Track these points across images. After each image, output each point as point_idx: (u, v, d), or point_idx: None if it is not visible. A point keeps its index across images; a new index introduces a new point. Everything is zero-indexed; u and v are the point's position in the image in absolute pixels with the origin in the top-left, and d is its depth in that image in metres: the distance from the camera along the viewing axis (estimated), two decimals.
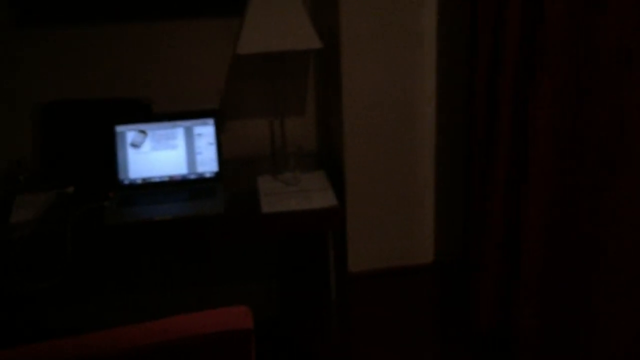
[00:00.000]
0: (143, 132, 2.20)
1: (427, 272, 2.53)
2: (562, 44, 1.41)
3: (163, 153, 2.21)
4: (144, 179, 2.20)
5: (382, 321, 2.27)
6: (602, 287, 1.36)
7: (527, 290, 1.70)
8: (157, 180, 2.21)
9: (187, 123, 2.23)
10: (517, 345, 1.77)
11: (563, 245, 1.58)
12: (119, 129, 2.19)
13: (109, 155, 2.19)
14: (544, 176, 1.52)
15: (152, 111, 2.39)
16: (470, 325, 2.05)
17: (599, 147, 1.40)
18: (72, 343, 1.11)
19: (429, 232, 2.50)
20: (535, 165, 1.51)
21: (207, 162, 2.24)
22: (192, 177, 2.23)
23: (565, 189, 1.52)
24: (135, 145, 2.20)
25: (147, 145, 2.21)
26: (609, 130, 1.37)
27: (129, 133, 2.20)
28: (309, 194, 2.16)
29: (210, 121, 2.24)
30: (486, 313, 1.93)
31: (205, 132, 2.24)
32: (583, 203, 1.47)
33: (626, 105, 1.31)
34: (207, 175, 2.23)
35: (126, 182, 2.19)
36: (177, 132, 2.22)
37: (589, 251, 1.48)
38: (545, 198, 1.55)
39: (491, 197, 1.75)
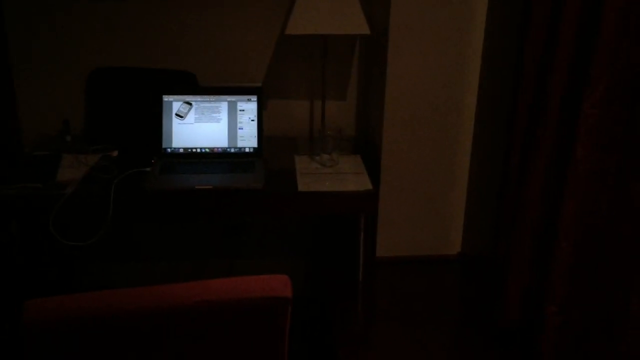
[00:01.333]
0: (189, 103, 2.26)
1: (452, 263, 2.57)
2: (616, 44, 1.41)
3: (206, 125, 2.27)
4: (185, 149, 2.26)
5: (406, 307, 2.31)
6: (638, 290, 1.38)
7: (556, 289, 1.72)
8: (198, 151, 2.26)
9: (232, 98, 2.28)
10: (542, 342, 1.79)
11: (597, 246, 1.60)
12: (167, 98, 2.25)
13: (154, 123, 2.25)
14: (585, 176, 1.54)
15: (198, 84, 2.44)
16: (494, 319, 2.08)
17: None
18: (109, 295, 1.16)
19: (458, 224, 2.53)
20: (578, 164, 1.53)
21: (248, 138, 2.29)
22: (232, 150, 2.28)
23: (605, 190, 1.53)
24: (180, 116, 2.26)
25: (191, 116, 2.27)
26: None
27: (175, 103, 2.26)
28: (344, 176, 2.20)
29: (254, 98, 2.28)
30: (513, 307, 1.96)
31: (248, 108, 2.29)
32: (622, 205, 1.48)
33: None
34: (247, 150, 2.28)
35: (169, 150, 2.26)
36: (221, 106, 2.28)
37: (625, 253, 1.50)
38: (583, 197, 1.56)
39: (528, 191, 1.77)
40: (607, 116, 1.49)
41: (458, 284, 2.50)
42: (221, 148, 2.28)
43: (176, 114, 2.26)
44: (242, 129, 2.29)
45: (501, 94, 2.25)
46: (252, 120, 2.29)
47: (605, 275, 1.59)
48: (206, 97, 2.27)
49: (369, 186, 2.13)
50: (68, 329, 1.13)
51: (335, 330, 2.17)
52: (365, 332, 2.24)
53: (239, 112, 2.28)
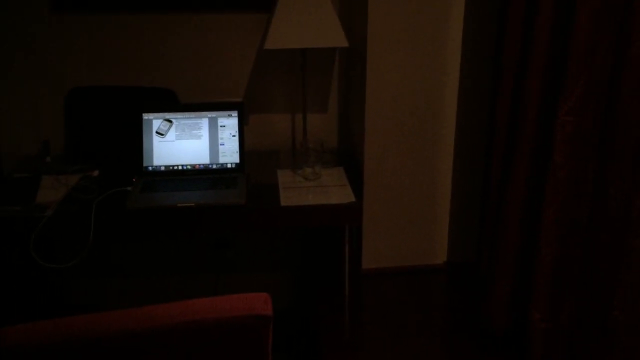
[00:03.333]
0: (169, 120, 2.25)
1: (439, 272, 2.56)
2: (590, 51, 1.43)
3: (187, 142, 2.26)
4: (167, 167, 2.25)
5: (393, 319, 2.30)
6: (620, 292, 1.38)
7: (540, 296, 1.72)
8: (180, 168, 2.25)
9: (212, 114, 2.27)
10: (529, 348, 1.79)
11: (578, 252, 1.61)
12: (147, 116, 2.24)
13: (134, 142, 2.24)
14: (563, 182, 1.55)
15: (178, 101, 2.44)
16: (482, 326, 2.08)
17: (622, 155, 1.42)
18: (91, 319, 1.15)
19: (443, 233, 2.53)
20: (556, 171, 1.54)
21: (229, 153, 2.28)
22: (214, 167, 2.27)
23: (584, 197, 1.54)
24: (160, 133, 2.25)
25: (172, 133, 2.26)
26: (633, 137, 1.39)
27: (155, 121, 2.25)
28: (327, 189, 2.20)
29: (235, 113, 2.28)
30: (499, 314, 1.96)
31: (229, 124, 2.28)
32: (600, 212, 1.49)
33: None
34: (229, 165, 2.28)
35: (150, 168, 2.24)
36: (202, 123, 2.27)
37: (604, 260, 1.50)
38: (562, 204, 1.57)
39: (509, 199, 1.77)
40: (583, 123, 1.50)
41: (445, 293, 2.50)
42: (203, 165, 2.27)
43: (157, 132, 2.25)
44: (223, 144, 2.28)
45: (480, 103, 2.26)
46: (234, 136, 2.28)
47: (587, 281, 1.60)
48: (186, 114, 2.26)
49: (352, 198, 2.13)
50: (48, 355, 1.12)
51: (323, 342, 2.16)
52: (353, 344, 2.23)
53: (219, 128, 2.28)
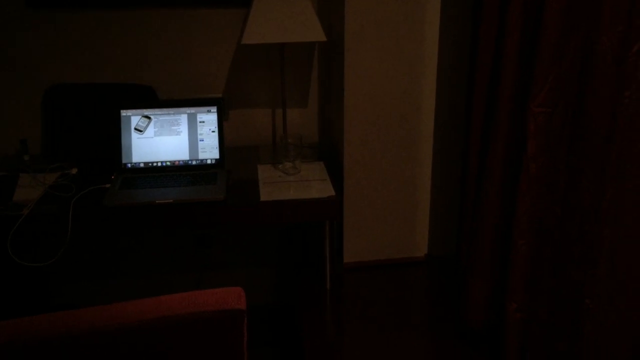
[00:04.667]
0: (147, 117, 2.24)
1: (420, 266, 2.58)
2: (560, 45, 1.44)
3: (166, 139, 2.25)
4: (146, 163, 2.24)
5: (374, 313, 2.31)
6: (592, 285, 1.40)
7: (516, 287, 1.74)
8: (159, 164, 2.25)
9: (191, 110, 2.26)
10: (505, 339, 1.81)
11: (552, 244, 1.62)
12: (125, 113, 2.23)
13: (112, 139, 2.23)
14: (536, 175, 1.56)
15: (157, 98, 2.43)
16: (461, 320, 2.09)
17: (593, 148, 1.43)
18: (59, 317, 1.14)
19: (424, 226, 2.54)
20: (529, 164, 1.55)
21: (209, 149, 2.28)
22: (194, 163, 2.27)
23: (556, 189, 1.56)
24: (139, 130, 2.24)
25: (150, 130, 2.25)
26: (603, 129, 1.41)
27: (133, 118, 2.24)
28: (307, 184, 2.20)
29: (214, 109, 2.28)
30: (478, 307, 1.98)
31: (209, 120, 2.28)
32: (575, 203, 1.51)
33: (619, 106, 1.35)
34: (209, 161, 2.27)
35: (128, 165, 2.23)
36: (180, 119, 2.26)
37: (576, 252, 1.52)
38: (536, 196, 1.59)
39: (486, 193, 1.79)
40: (555, 116, 1.52)
41: (426, 286, 2.51)
42: (182, 161, 2.26)
43: (135, 129, 2.24)
44: (203, 140, 2.28)
45: (459, 96, 2.27)
46: (213, 132, 2.28)
47: (561, 272, 1.62)
48: (165, 110, 2.26)
49: (332, 192, 2.14)
50: (13, 354, 1.11)
51: (305, 338, 2.17)
52: (335, 339, 2.23)
53: (199, 124, 2.27)
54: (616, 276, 1.31)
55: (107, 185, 2.11)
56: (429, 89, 2.34)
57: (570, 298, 1.52)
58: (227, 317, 1.18)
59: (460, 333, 2.13)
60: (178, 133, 2.26)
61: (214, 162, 2.27)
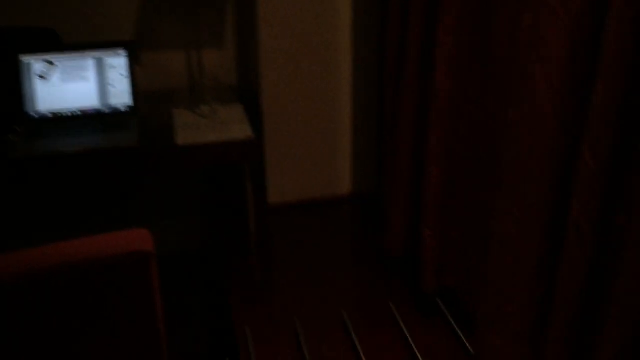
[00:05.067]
0: (50, 62, 2.12)
1: (344, 203, 2.61)
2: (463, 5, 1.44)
3: (73, 85, 2.14)
4: (53, 112, 2.13)
5: (301, 251, 2.34)
6: (494, 196, 1.45)
7: (429, 214, 1.79)
8: (68, 113, 2.14)
9: (98, 54, 2.15)
10: (422, 265, 1.88)
11: (462, 170, 1.68)
12: (25, 59, 2.10)
13: (12, 87, 2.09)
14: (445, 104, 1.58)
15: (61, 42, 2.29)
16: (383, 251, 2.15)
17: (497, 69, 1.46)
18: None
19: (346, 164, 2.56)
20: (438, 93, 1.57)
21: (121, 95, 2.18)
22: (105, 110, 2.17)
23: (465, 117, 1.59)
24: (42, 77, 2.12)
25: (55, 76, 2.13)
26: (504, 53, 1.43)
27: (35, 64, 2.11)
28: (225, 126, 2.16)
29: (122, 52, 2.17)
30: (397, 238, 2.03)
31: (118, 64, 2.17)
32: (482, 127, 1.54)
33: (519, 31, 1.36)
34: (121, 108, 2.18)
35: (34, 115, 2.12)
36: (87, 64, 2.15)
37: (486, 172, 1.57)
38: (446, 124, 1.62)
39: (400, 130, 1.81)
40: (461, 44, 1.53)
41: (351, 223, 2.55)
42: (93, 108, 2.16)
43: (39, 76, 2.11)
44: (113, 86, 2.18)
45: (375, 31, 2.26)
46: (124, 76, 2.18)
47: (471, 196, 1.67)
48: (70, 55, 2.13)
49: (250, 133, 2.11)
50: None
51: (232, 283, 2.17)
52: (262, 281, 2.25)
53: (107, 69, 2.17)
54: (515, 195, 1.36)
55: (11, 137, 2.00)
56: (344, 24, 2.31)
57: (480, 220, 1.58)
58: (135, 259, 1.16)
59: (383, 264, 2.19)
60: (86, 79, 2.15)
61: (127, 108, 2.19)
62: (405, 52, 1.74)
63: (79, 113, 2.15)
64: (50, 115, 2.13)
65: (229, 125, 2.17)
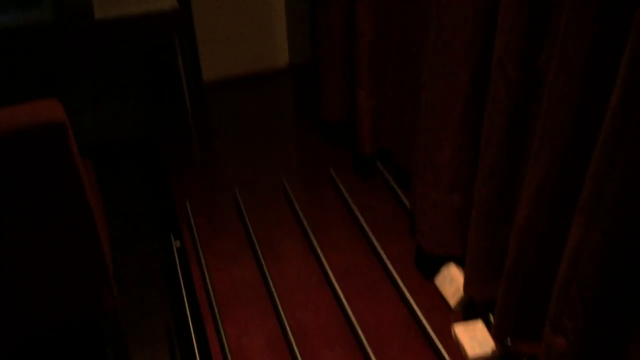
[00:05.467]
0: None
1: (282, 76, 2.55)
2: None
3: None
4: None
5: (240, 124, 2.31)
6: (423, 66, 1.43)
7: (364, 76, 1.77)
8: None
9: None
10: (359, 127, 1.89)
11: (398, 31, 1.64)
12: None
13: None
14: None
15: None
16: (321, 118, 2.14)
17: None
18: None
19: (282, 36, 2.47)
20: None
21: None
22: None
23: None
24: None
25: None
26: None
27: None
28: None
29: None
30: (334, 103, 2.02)
31: None
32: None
33: None
34: None
35: None
36: None
37: (416, 35, 1.54)
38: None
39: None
40: None
41: (290, 95, 2.51)
42: None
43: None
44: None
45: None
46: None
47: (404, 56, 1.65)
48: None
49: (175, 4, 1.99)
50: None
51: (171, 163, 2.13)
52: (201, 156, 2.22)
53: None
54: (442, 42, 1.34)
55: None
56: None
57: (415, 79, 1.56)
58: (47, 130, 1.10)
59: (323, 133, 2.18)
60: None
61: None
62: None
63: None
64: None
65: None
